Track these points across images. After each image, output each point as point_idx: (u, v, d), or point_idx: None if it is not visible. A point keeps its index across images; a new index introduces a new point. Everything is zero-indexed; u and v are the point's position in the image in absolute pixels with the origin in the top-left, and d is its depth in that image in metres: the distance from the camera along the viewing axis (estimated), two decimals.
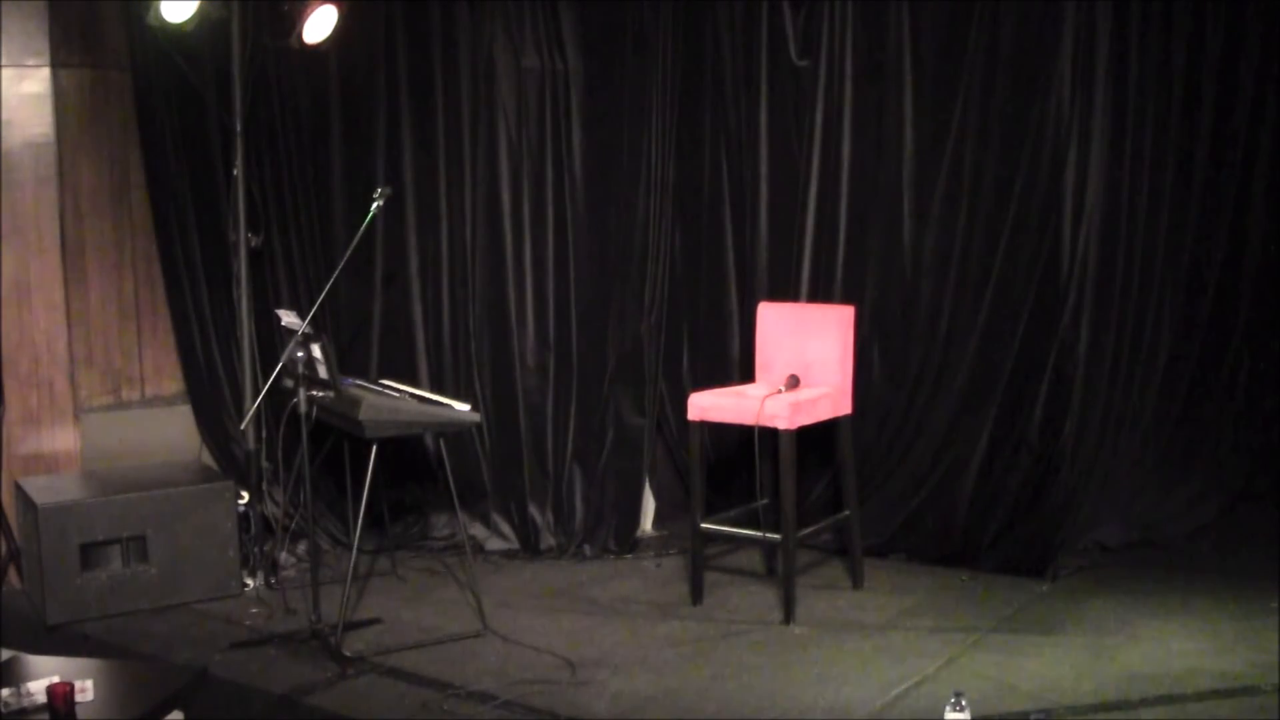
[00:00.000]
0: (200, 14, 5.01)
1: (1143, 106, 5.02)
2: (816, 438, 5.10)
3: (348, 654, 4.45)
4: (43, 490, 4.99)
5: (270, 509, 5.50)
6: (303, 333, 4.45)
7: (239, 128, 5.33)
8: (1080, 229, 4.97)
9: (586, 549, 5.62)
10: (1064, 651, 4.33)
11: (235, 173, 5.36)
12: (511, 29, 5.61)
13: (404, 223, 5.73)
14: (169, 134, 5.58)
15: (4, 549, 5.22)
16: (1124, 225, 5.05)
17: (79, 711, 3.02)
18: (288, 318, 4.68)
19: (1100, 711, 3.87)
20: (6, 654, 3.53)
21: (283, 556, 5.39)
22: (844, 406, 4.95)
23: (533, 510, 5.69)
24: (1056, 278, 5.01)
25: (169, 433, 5.67)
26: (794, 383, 4.86)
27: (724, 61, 5.64)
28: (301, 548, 5.47)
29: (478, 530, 5.73)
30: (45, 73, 5.40)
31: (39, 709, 3.05)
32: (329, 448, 5.22)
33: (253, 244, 5.40)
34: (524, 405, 5.69)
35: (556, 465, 5.69)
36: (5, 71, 5.34)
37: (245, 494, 5.33)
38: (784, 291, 5.53)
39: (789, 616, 4.71)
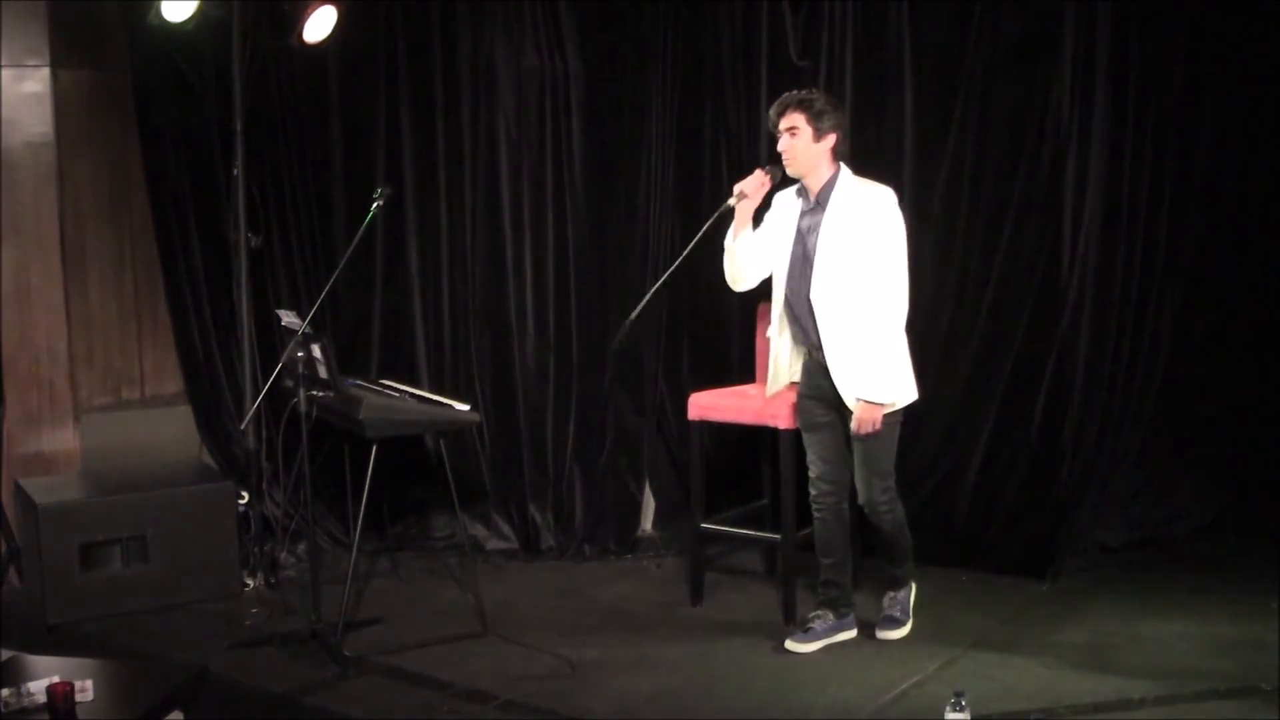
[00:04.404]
0: (200, 14, 5.01)
1: (1143, 106, 5.02)
2: None
3: (348, 654, 4.45)
4: (43, 490, 4.99)
5: (270, 509, 5.51)
6: (303, 333, 4.45)
7: (239, 128, 5.33)
8: (1080, 229, 4.96)
9: (586, 549, 5.61)
10: (1064, 651, 4.33)
11: (235, 173, 5.36)
12: (511, 29, 5.61)
13: (404, 223, 5.73)
14: (169, 134, 5.57)
15: (4, 549, 5.21)
16: (1124, 225, 5.05)
17: (79, 711, 3.02)
18: (288, 318, 4.68)
19: (1100, 711, 3.86)
20: (6, 654, 3.53)
21: (283, 556, 5.39)
22: None
23: (533, 510, 5.68)
24: (1056, 278, 5.00)
25: (169, 433, 5.67)
26: None
27: (724, 61, 5.63)
28: (301, 548, 5.47)
29: (478, 530, 5.73)
30: (45, 73, 5.39)
31: (39, 709, 3.05)
32: (329, 448, 5.22)
33: (253, 244, 5.40)
34: (524, 405, 5.69)
35: (556, 465, 5.69)
36: (5, 71, 5.33)
37: (245, 494, 5.33)
38: None
39: (789, 616, 4.70)
